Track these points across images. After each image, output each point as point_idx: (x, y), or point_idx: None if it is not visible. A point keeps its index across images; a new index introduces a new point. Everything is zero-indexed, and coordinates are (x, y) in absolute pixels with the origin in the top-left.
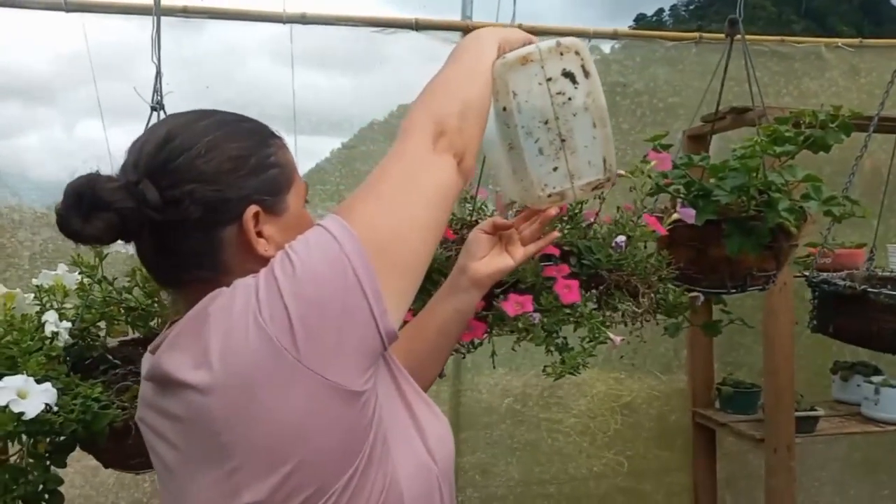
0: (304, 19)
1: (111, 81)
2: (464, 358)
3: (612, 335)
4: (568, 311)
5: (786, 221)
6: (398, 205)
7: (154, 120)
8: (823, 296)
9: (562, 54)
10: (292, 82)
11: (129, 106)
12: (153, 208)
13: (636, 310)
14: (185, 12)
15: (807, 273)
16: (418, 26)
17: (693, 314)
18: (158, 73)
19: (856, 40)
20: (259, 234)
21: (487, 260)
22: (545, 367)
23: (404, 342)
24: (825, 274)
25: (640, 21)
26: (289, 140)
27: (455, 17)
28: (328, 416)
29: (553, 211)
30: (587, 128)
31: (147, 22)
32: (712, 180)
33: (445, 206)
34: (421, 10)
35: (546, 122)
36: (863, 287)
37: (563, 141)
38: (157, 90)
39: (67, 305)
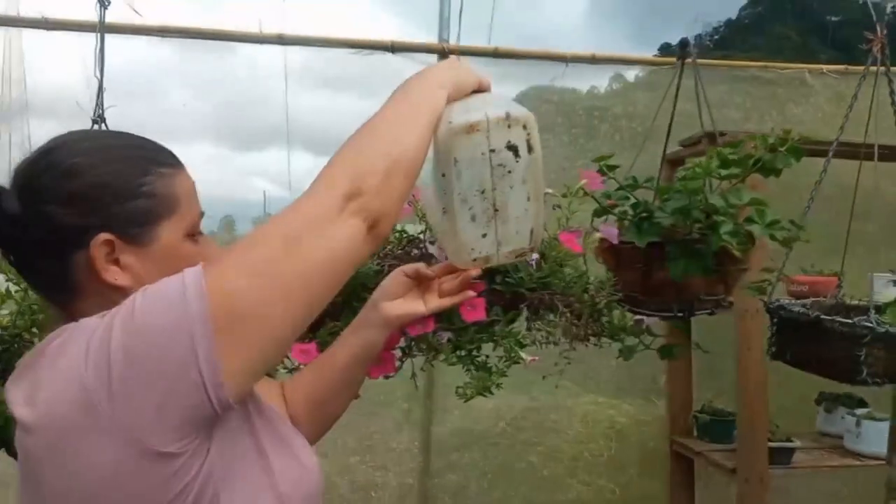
0: (281, 40)
1: (140, 101)
2: None
3: (524, 355)
4: (478, 330)
5: (729, 245)
6: (274, 273)
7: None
8: (781, 322)
9: (509, 126)
10: (286, 100)
11: (158, 125)
12: (8, 222)
13: (574, 330)
14: (162, 32)
15: (764, 299)
16: (394, 49)
17: (670, 335)
18: (101, 87)
19: (842, 67)
20: (114, 262)
21: (401, 302)
22: (457, 388)
23: (311, 374)
24: (784, 300)
25: (665, 50)
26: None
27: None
28: (134, 475)
29: (475, 271)
30: (521, 200)
31: (177, 44)
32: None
33: (336, 280)
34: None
35: (482, 192)
36: (816, 314)
37: (496, 210)
38: (99, 104)
39: (4, 311)
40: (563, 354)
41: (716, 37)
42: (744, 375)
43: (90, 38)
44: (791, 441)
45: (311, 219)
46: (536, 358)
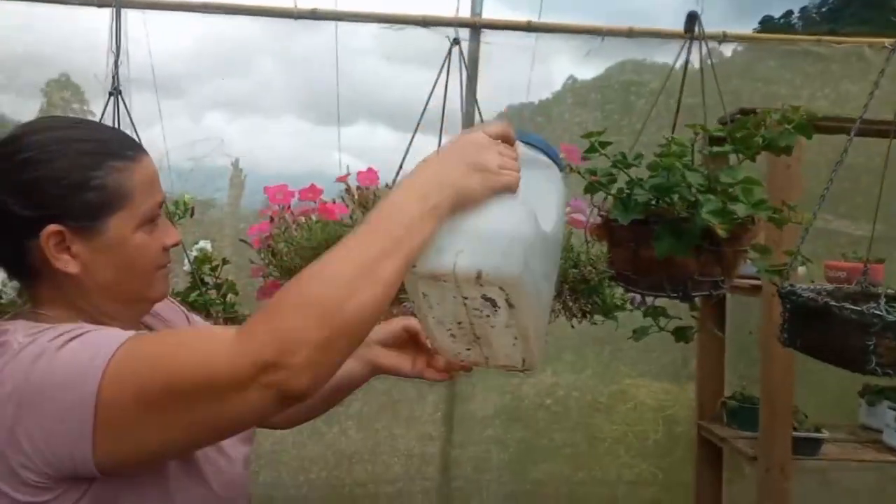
0: (314, 14)
1: (232, 78)
2: None
3: None
4: None
5: (711, 223)
6: (161, 405)
7: (111, 104)
8: (793, 308)
9: (481, 285)
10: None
11: (248, 100)
12: None
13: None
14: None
15: (776, 283)
16: (426, 23)
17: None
18: (117, 61)
19: None
20: (65, 250)
21: (394, 355)
22: None
23: None
24: (798, 285)
25: (767, 23)
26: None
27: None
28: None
29: (459, 365)
30: (507, 340)
31: (265, 23)
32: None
33: (227, 434)
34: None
35: (459, 324)
36: (825, 300)
37: (477, 337)
38: (115, 76)
39: None
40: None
41: (823, 9)
42: (768, 362)
43: (182, 16)
44: (820, 432)
45: (210, 374)
46: None
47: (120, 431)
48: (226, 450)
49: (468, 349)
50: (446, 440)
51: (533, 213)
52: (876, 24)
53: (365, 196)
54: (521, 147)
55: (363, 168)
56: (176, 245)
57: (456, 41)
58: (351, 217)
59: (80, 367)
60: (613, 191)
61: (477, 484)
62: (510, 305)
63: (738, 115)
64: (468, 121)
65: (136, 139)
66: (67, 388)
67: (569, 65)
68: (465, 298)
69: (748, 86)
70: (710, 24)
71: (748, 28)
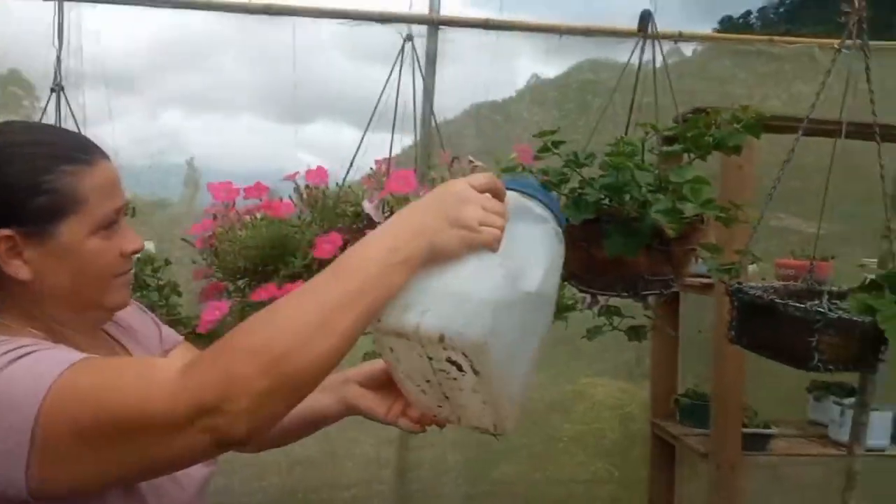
0: (268, 10)
1: (189, 74)
2: None
3: None
4: None
5: (660, 223)
6: (94, 443)
7: (53, 101)
8: (741, 306)
9: (444, 348)
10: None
11: (205, 97)
12: None
13: None
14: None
15: (724, 281)
16: (383, 19)
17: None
18: (59, 56)
19: (856, 41)
20: (17, 255)
21: (371, 396)
22: (364, 353)
23: None
24: (746, 284)
25: (726, 23)
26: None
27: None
28: None
29: (432, 419)
30: (476, 402)
31: (224, 19)
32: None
33: (161, 472)
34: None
35: (428, 381)
36: (771, 298)
37: (447, 397)
38: (57, 72)
39: None
40: None
41: (780, 9)
42: (719, 359)
43: (138, 11)
44: (769, 428)
45: (146, 413)
46: None
47: (55, 460)
48: (178, 475)
49: (439, 406)
50: (403, 443)
51: (512, 275)
52: (831, 24)
53: (314, 195)
54: (512, 196)
55: (326, 165)
56: (137, 252)
57: (409, 38)
58: (299, 217)
59: (23, 389)
60: (566, 190)
61: (434, 487)
62: (475, 372)
63: (692, 115)
64: (426, 119)
65: (86, 138)
66: (10, 408)
67: (533, 63)
68: (431, 359)
69: (704, 85)
70: (671, 23)
71: (709, 27)
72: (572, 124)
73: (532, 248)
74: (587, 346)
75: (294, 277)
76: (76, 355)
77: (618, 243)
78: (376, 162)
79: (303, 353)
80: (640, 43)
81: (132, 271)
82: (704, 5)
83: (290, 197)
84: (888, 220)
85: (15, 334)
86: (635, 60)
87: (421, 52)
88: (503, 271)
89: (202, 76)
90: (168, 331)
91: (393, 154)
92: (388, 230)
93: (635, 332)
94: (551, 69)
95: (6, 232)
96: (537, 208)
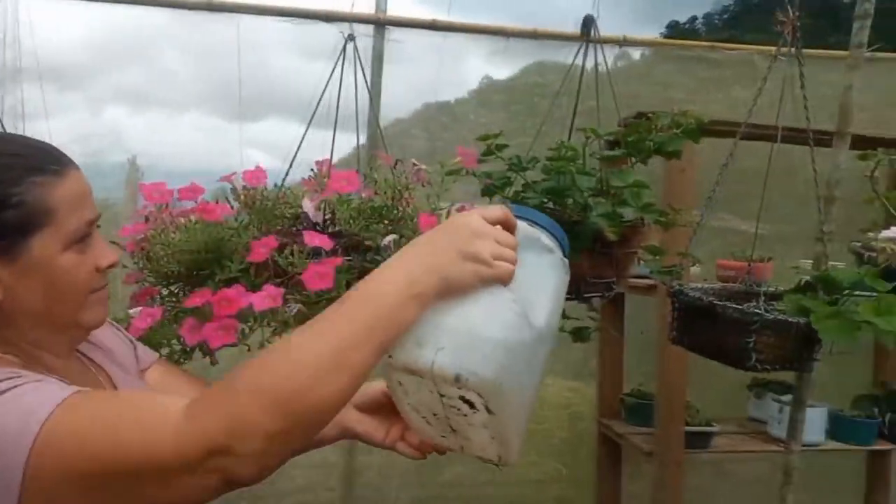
0: (210, 6)
1: (133, 69)
2: None
3: None
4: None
5: (601, 226)
6: (94, 489)
7: None
8: (681, 307)
9: (459, 387)
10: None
11: (150, 93)
12: None
13: None
14: None
15: (666, 282)
16: (329, 18)
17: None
18: None
19: (790, 49)
20: None
21: (368, 420)
22: None
23: None
24: (686, 285)
25: (673, 28)
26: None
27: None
28: None
29: (434, 447)
30: (484, 436)
31: (170, 14)
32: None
33: None
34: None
35: (435, 415)
36: (709, 299)
37: (454, 430)
38: None
39: None
40: None
41: (724, 15)
42: (663, 359)
43: (80, 5)
44: (711, 425)
45: (154, 455)
46: None
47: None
48: None
49: (444, 436)
50: (350, 448)
51: (524, 313)
52: (772, 31)
53: (252, 196)
54: (521, 226)
55: (275, 164)
56: (112, 266)
57: (350, 38)
58: (236, 219)
59: (10, 431)
60: (509, 194)
61: (382, 491)
62: (489, 411)
63: (634, 119)
64: (372, 118)
65: (54, 147)
66: None
67: (486, 64)
68: (443, 395)
69: (649, 89)
70: (621, 27)
71: (657, 31)
72: (520, 126)
73: (541, 280)
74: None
75: (230, 282)
76: (66, 390)
77: None
78: (317, 163)
79: (314, 393)
80: (583, 47)
81: (108, 287)
82: (653, 10)
83: (226, 199)
84: (822, 223)
85: None
86: (579, 64)
87: (369, 51)
88: (517, 308)
89: (144, 72)
90: (143, 348)
91: (342, 154)
92: (399, 264)
93: (580, 334)
94: (503, 70)
95: None
96: (545, 238)
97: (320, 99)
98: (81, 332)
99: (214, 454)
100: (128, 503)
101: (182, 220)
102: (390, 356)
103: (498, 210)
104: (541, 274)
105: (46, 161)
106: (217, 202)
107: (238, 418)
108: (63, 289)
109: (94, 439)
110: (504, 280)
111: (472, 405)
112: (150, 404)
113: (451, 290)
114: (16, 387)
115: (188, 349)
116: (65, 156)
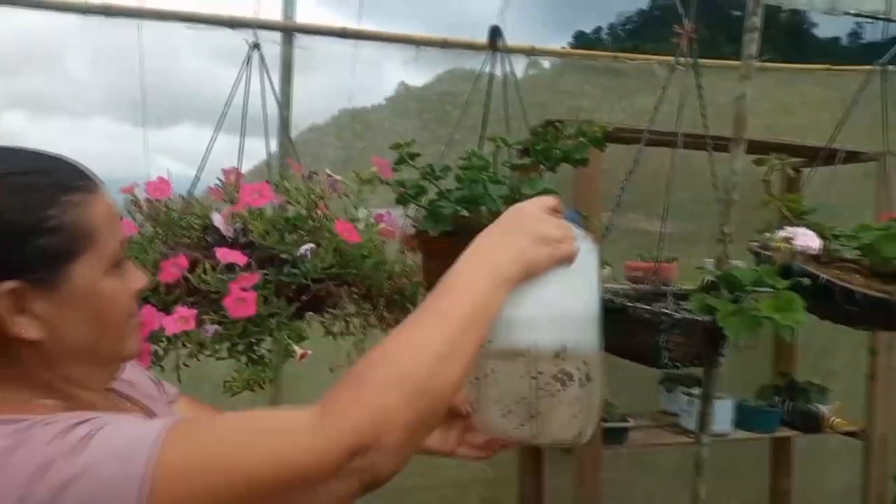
0: (107, 11)
1: (33, 75)
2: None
3: (297, 348)
4: (253, 323)
5: None
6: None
7: None
8: None
9: (563, 359)
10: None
11: (54, 100)
12: None
13: (373, 319)
14: None
15: None
16: (234, 24)
17: None
18: None
19: (691, 60)
20: (23, 312)
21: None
22: (224, 381)
23: None
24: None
25: (579, 38)
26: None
27: None
28: None
29: (502, 443)
30: (566, 416)
31: (62, 18)
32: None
33: None
34: None
35: (519, 402)
36: (621, 301)
37: (533, 416)
38: None
39: None
40: (357, 346)
41: (627, 27)
42: None
43: None
44: (626, 421)
45: (293, 467)
46: (310, 352)
47: None
48: None
49: (518, 427)
50: None
51: (594, 287)
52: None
53: (155, 208)
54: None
55: (186, 171)
56: (144, 289)
57: (255, 45)
58: (140, 232)
59: (112, 480)
60: (423, 202)
61: None
62: (588, 379)
63: (543, 128)
64: (283, 125)
65: (78, 162)
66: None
67: (403, 71)
68: (539, 373)
69: (557, 98)
70: (530, 37)
71: (564, 41)
72: (433, 135)
73: (588, 260)
74: None
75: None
76: (154, 425)
77: None
78: (224, 172)
79: (440, 380)
80: (490, 57)
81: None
82: (561, 20)
83: (127, 211)
84: (722, 225)
85: (22, 411)
86: (487, 74)
87: (278, 58)
88: (588, 283)
89: (44, 78)
90: (167, 384)
91: (257, 161)
92: (481, 254)
93: None
94: (418, 78)
95: (9, 285)
96: (576, 227)
97: (226, 106)
98: (120, 364)
99: (359, 453)
100: None
101: None
102: (490, 342)
103: (551, 199)
104: (586, 255)
105: (76, 177)
106: (121, 216)
107: (382, 410)
108: (108, 318)
109: (224, 463)
110: (572, 259)
111: (565, 381)
112: (275, 414)
113: (530, 273)
114: (100, 429)
115: None
116: (88, 169)
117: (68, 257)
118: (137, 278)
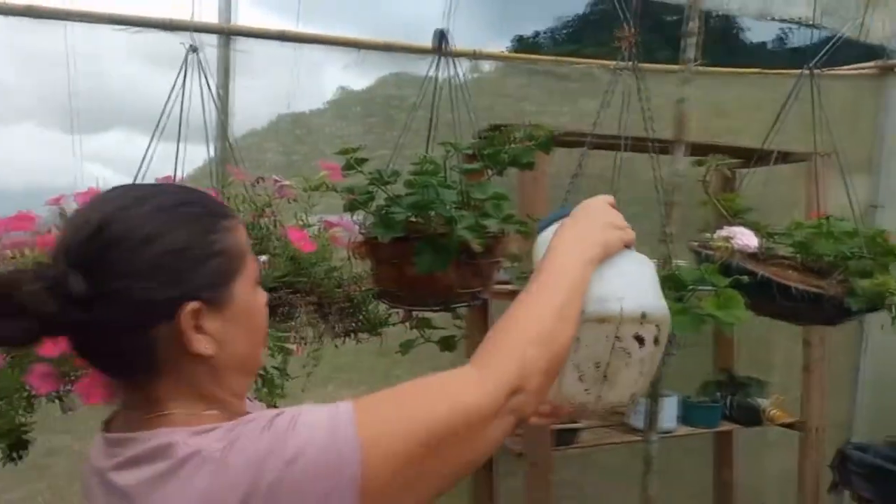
0: (30, 12)
1: None
2: None
3: None
4: None
5: (467, 239)
6: (422, 466)
7: None
8: None
9: (642, 324)
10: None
11: None
12: (79, 305)
13: (324, 327)
14: None
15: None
16: (171, 27)
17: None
18: None
19: (630, 63)
20: (199, 330)
21: None
22: None
23: None
24: None
25: (519, 42)
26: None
27: None
28: None
29: (567, 410)
30: (633, 375)
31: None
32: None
33: (471, 469)
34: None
35: (597, 365)
36: None
37: (605, 378)
38: None
39: None
40: (310, 355)
41: (565, 31)
42: None
43: None
44: (576, 422)
45: (466, 412)
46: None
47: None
48: None
49: (585, 390)
50: None
51: (649, 262)
52: (610, 45)
53: None
54: None
55: (118, 178)
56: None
57: (193, 48)
58: None
59: (327, 453)
60: (372, 208)
61: None
62: (657, 342)
63: (489, 132)
64: (222, 131)
65: None
66: (321, 478)
67: (343, 74)
68: (618, 339)
69: (501, 101)
70: (471, 40)
71: (503, 45)
72: (378, 139)
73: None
74: (408, 356)
75: None
76: (340, 406)
77: (428, 260)
78: (158, 181)
79: (560, 338)
80: (436, 60)
81: None
82: (498, 24)
83: (54, 225)
84: (664, 226)
85: (194, 423)
86: (433, 78)
87: (215, 62)
88: (647, 261)
89: None
90: None
91: (196, 166)
92: (570, 240)
93: (447, 343)
94: (360, 81)
95: (193, 305)
96: None
97: (163, 111)
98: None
99: (514, 392)
100: (449, 470)
101: (10, 252)
102: (583, 311)
103: (608, 196)
104: None
105: (220, 204)
106: (50, 231)
107: (526, 360)
108: (259, 330)
109: (417, 423)
110: (633, 242)
111: (642, 341)
112: (439, 377)
113: (608, 254)
114: (297, 416)
115: (32, 397)
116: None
117: (231, 277)
118: (264, 293)
